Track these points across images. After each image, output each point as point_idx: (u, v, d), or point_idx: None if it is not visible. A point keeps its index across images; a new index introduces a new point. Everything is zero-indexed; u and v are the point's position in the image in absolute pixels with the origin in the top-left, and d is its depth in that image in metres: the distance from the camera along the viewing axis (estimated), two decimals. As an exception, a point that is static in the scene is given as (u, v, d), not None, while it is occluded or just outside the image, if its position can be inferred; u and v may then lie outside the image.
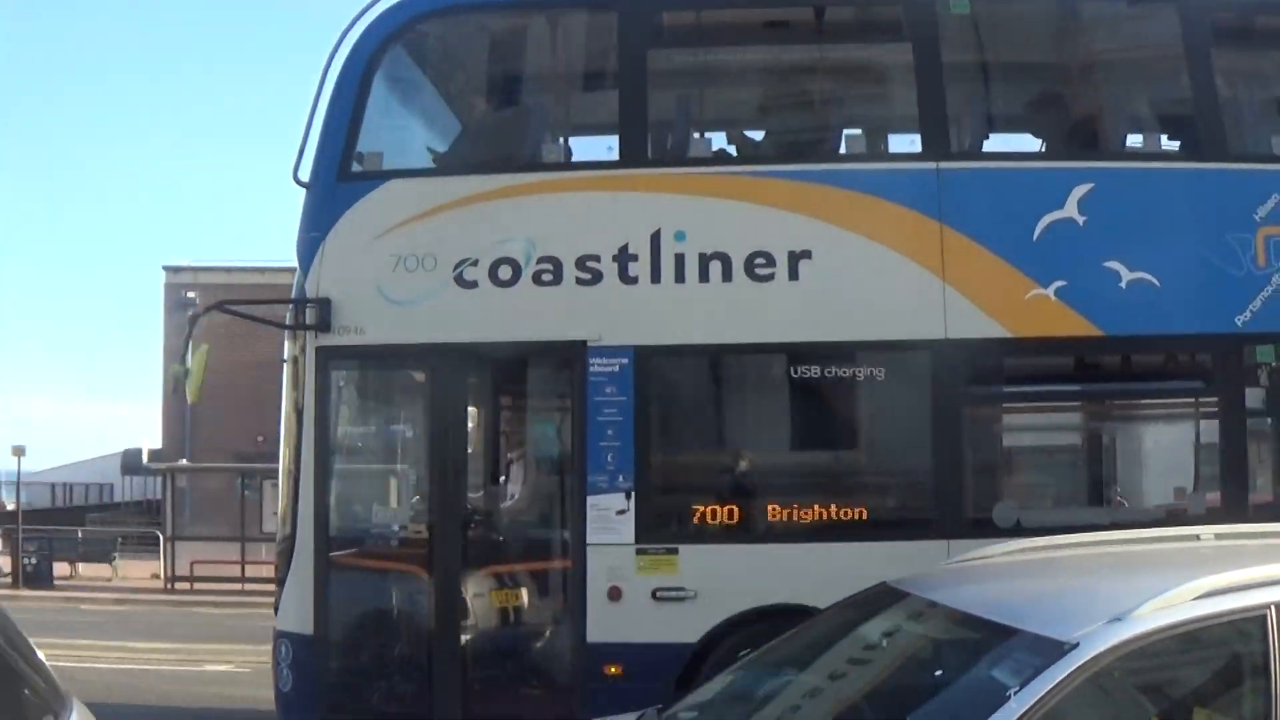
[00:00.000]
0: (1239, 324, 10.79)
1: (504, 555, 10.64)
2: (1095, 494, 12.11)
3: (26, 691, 6.58)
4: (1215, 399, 11.13)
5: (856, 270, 10.96)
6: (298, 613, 11.04)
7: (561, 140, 12.77)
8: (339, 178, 11.43)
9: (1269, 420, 11.28)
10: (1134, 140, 12.22)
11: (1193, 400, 11.80)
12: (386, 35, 11.61)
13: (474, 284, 11.10)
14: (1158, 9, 11.88)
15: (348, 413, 12.15)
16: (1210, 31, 11.32)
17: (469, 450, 11.88)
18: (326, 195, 11.41)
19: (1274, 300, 10.82)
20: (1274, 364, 10.91)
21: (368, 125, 11.65)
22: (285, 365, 11.70)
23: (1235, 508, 10.54)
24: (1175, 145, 11.78)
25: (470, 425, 11.99)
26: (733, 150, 12.50)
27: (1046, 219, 10.93)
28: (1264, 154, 11.51)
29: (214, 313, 11.69)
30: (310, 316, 11.10)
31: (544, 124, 12.77)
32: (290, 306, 11.44)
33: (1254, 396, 11.04)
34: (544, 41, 12.67)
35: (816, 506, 10.90)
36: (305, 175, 11.28)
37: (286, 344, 11.76)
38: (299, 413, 11.25)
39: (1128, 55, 12.64)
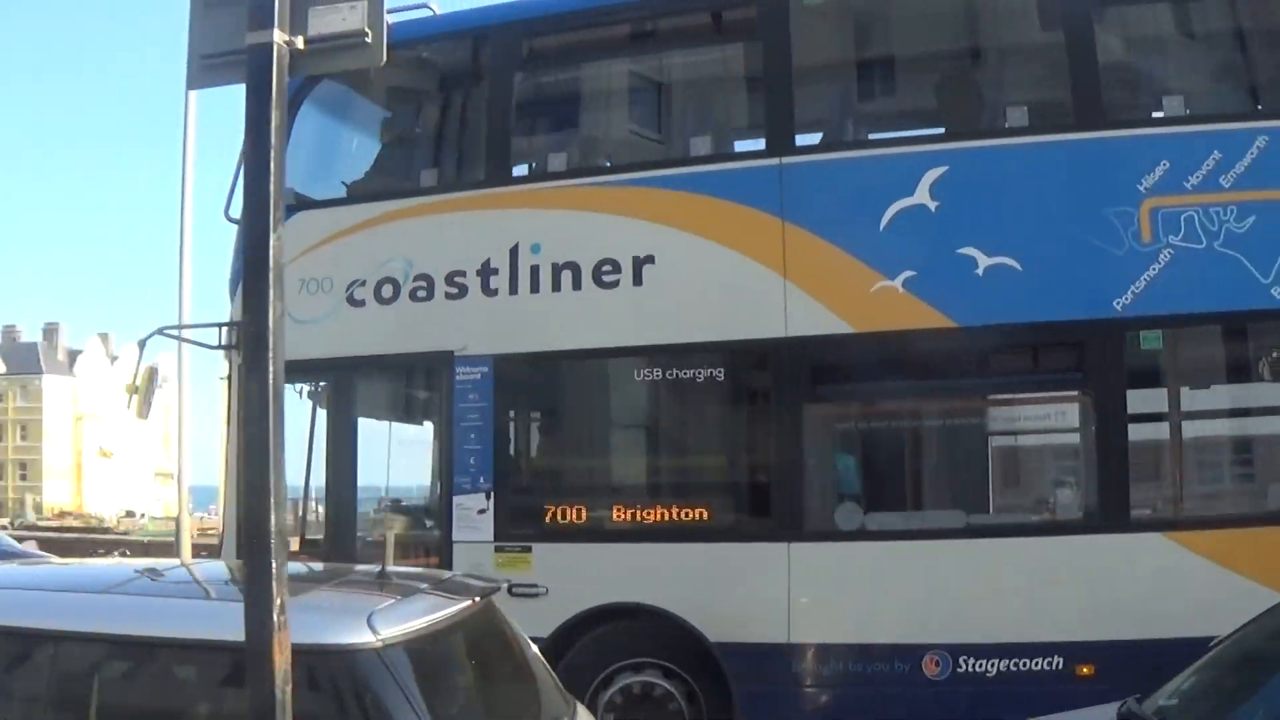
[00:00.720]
0: (1118, 308, 10.10)
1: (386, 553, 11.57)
2: (949, 498, 11.35)
3: (540, 693, 7.59)
4: (1091, 393, 10.41)
5: (698, 272, 11.08)
6: None
7: (436, 166, 13.53)
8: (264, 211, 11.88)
9: (1154, 415, 10.58)
10: (1001, 118, 11.24)
11: (1065, 395, 10.95)
12: (297, 85, 11.74)
13: (362, 302, 12.04)
14: None
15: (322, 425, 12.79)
16: None
17: (358, 457, 12.51)
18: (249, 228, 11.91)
19: (1161, 280, 10.05)
20: (1160, 349, 10.36)
21: (320, 152, 13.42)
22: (222, 382, 12.87)
23: (1113, 511, 10.02)
24: (1044, 116, 10.96)
25: (360, 433, 12.60)
26: (589, 163, 12.79)
27: (894, 207, 10.64)
28: (1148, 118, 10.86)
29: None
30: (234, 338, 12.17)
31: (420, 152, 13.82)
32: (218, 330, 12.47)
33: (1136, 388, 10.34)
34: (422, 75, 13.44)
35: (660, 508, 11.15)
36: (235, 213, 12.20)
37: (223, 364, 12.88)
38: (228, 424, 12.54)
39: (988, 25, 12.01)
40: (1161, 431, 10.55)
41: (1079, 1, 10.55)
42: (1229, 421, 11.19)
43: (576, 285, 11.50)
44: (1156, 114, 10.76)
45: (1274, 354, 10.48)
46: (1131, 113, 10.90)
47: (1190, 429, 10.74)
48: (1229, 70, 11.37)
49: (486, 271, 11.79)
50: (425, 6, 13.38)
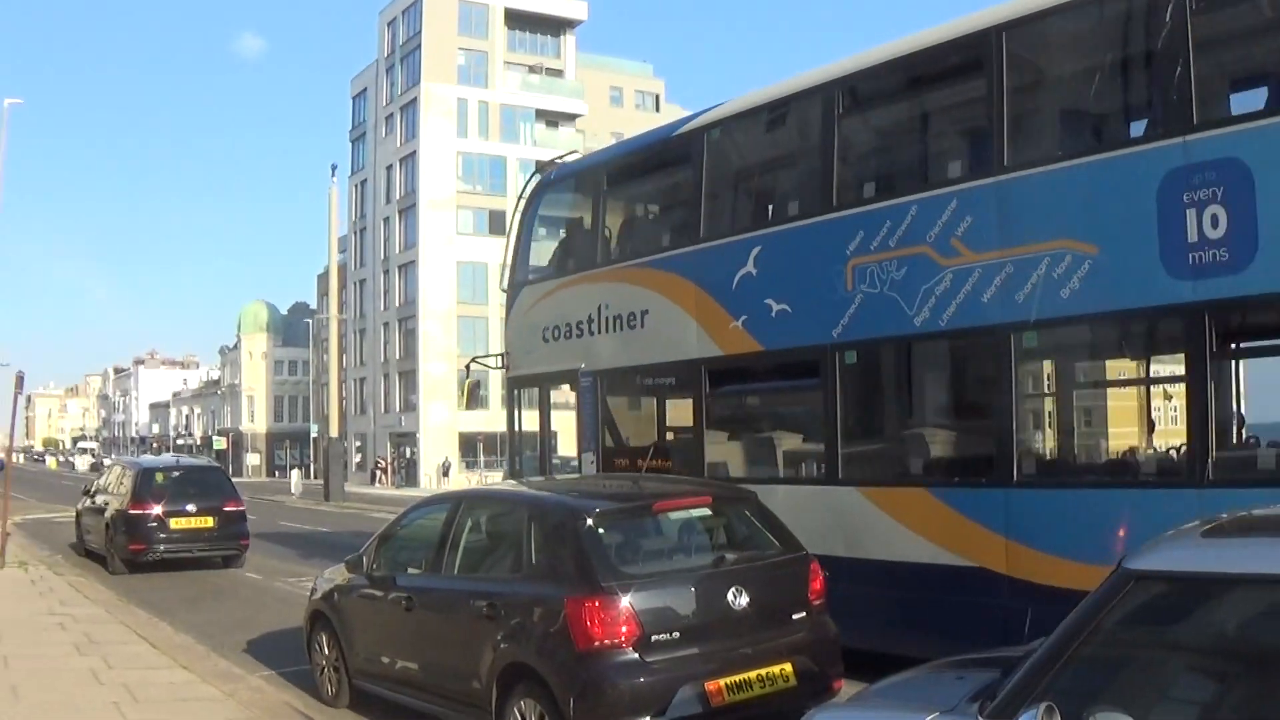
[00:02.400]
0: (834, 336, 15.40)
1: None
2: (766, 457, 17.44)
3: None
4: (817, 393, 15.76)
5: (663, 319, 18.14)
6: None
7: (570, 256, 21.24)
8: (508, 286, 21.96)
9: (856, 403, 15.90)
10: (785, 213, 17.34)
11: (810, 393, 16.14)
12: (532, 193, 22.06)
13: (546, 340, 20.62)
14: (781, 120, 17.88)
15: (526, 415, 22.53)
16: (818, 123, 16.22)
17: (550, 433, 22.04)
18: (509, 295, 21.99)
19: (856, 316, 15.10)
20: (856, 363, 15.62)
21: (534, 249, 22.07)
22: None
23: (829, 472, 15.62)
24: (804, 207, 16.64)
25: (552, 415, 21.79)
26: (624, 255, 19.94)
27: (739, 273, 16.70)
28: (854, 201, 15.64)
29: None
30: (506, 362, 22.00)
31: (562, 247, 21.85)
32: (500, 357, 22.28)
33: (846, 388, 15.56)
34: (603, 185, 20.52)
35: (658, 460, 19.23)
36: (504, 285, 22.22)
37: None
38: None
39: (774, 154, 18.68)
40: (860, 418, 16.10)
41: (826, 129, 15.98)
42: (896, 413, 16.67)
43: (619, 329, 19.03)
44: (861, 198, 15.83)
45: (920, 366, 16.10)
46: (847, 198, 15.71)
47: (873, 418, 16.45)
48: (895, 162, 16.89)
49: (589, 320, 19.65)
50: (575, 152, 22.87)
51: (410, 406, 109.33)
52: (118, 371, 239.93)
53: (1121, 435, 15.00)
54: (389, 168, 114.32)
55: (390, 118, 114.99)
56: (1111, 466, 14.33)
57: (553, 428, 21.81)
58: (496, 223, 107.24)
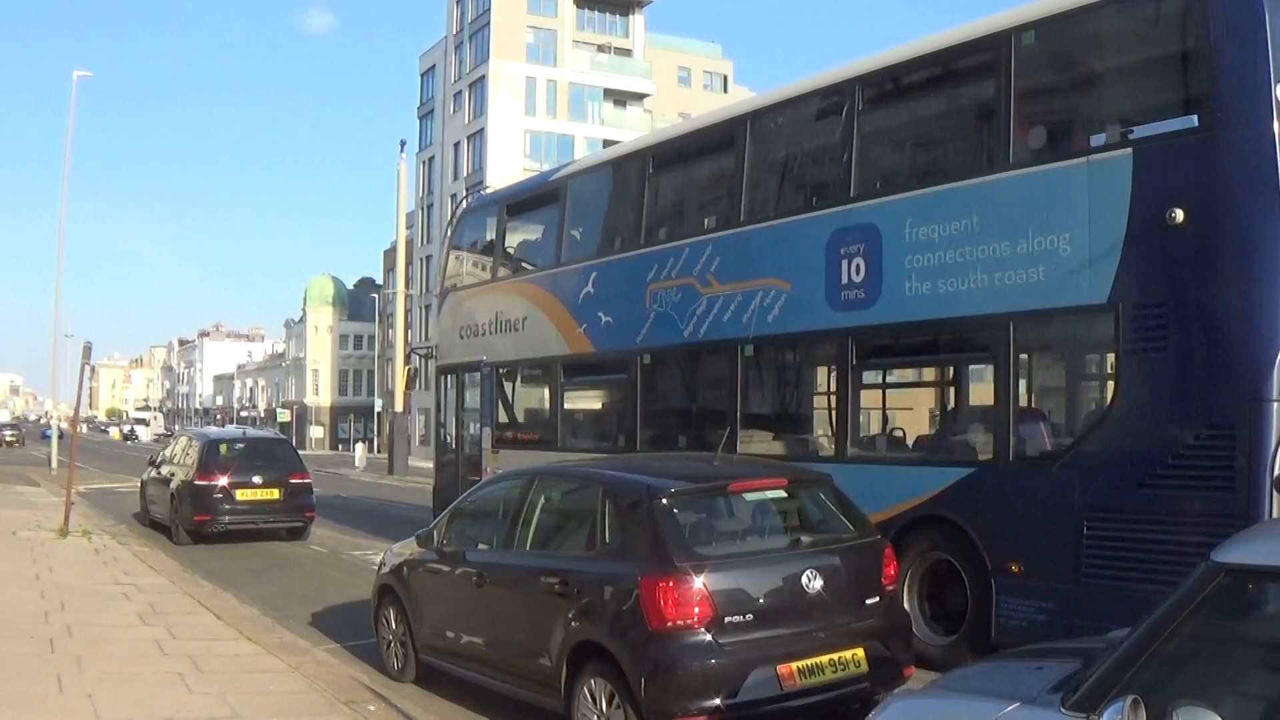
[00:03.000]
0: (637, 342, 20.53)
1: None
2: (601, 433, 23.16)
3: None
4: (627, 385, 21.07)
5: (534, 323, 23.52)
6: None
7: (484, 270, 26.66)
8: (440, 294, 28.16)
9: (650, 393, 20.83)
10: (612, 248, 22.21)
11: (620, 386, 21.59)
12: (456, 218, 28.99)
13: (464, 337, 26.22)
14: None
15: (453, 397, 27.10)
16: (634, 182, 21.74)
17: (465, 408, 26.64)
18: (439, 300, 28.28)
19: (652, 328, 20.15)
20: (650, 364, 20.62)
21: (454, 265, 27.72)
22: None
23: (628, 442, 20.85)
24: (627, 244, 21.55)
25: (465, 397, 26.67)
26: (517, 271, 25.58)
27: (583, 291, 21.96)
28: (653, 241, 20.71)
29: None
30: (435, 354, 27.78)
31: (494, 260, 26.32)
32: (431, 349, 28.66)
33: (644, 385, 20.76)
34: (503, 215, 26.00)
35: (529, 433, 24.83)
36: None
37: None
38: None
39: (607, 203, 23.64)
40: (652, 405, 20.94)
41: (639, 188, 21.50)
42: (674, 402, 21.36)
43: (509, 331, 24.45)
44: (657, 240, 20.80)
45: (688, 368, 20.74)
46: (650, 240, 20.83)
47: (659, 405, 21.06)
48: (678, 215, 21.94)
49: (488, 323, 25.23)
50: (488, 187, 32.30)
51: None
52: (182, 343, 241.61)
53: (803, 421, 19.25)
54: (456, 145, 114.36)
55: (458, 95, 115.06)
56: (793, 444, 18.44)
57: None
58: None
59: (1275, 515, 11.58)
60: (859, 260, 15.97)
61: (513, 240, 26.26)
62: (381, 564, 15.01)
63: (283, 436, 32.73)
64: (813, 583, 10.44)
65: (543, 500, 12.32)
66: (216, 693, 12.28)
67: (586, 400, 24.04)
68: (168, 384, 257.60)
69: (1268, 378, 11.75)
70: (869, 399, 17.76)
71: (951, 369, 17.88)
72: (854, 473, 14.60)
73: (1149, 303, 12.80)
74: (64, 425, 61.87)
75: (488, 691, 12.43)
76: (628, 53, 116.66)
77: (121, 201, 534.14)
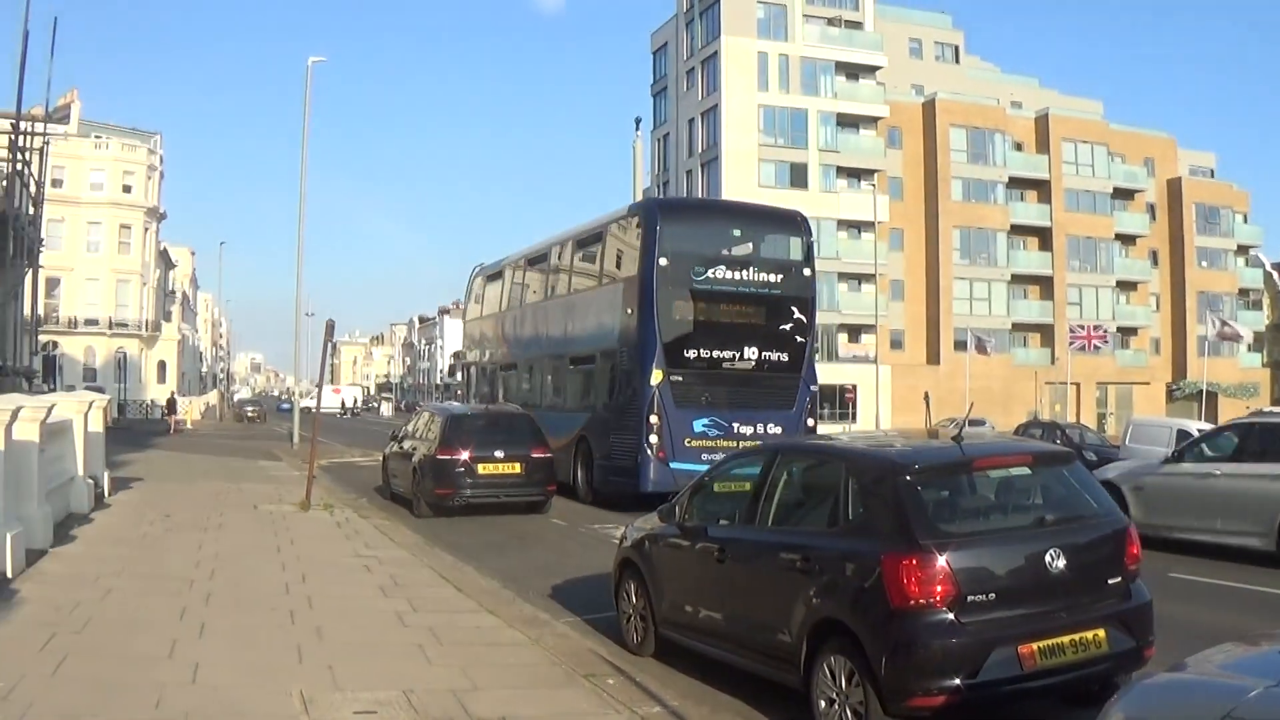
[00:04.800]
0: (525, 354, 42.03)
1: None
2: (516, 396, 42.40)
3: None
4: (519, 373, 42.47)
5: (490, 341, 46.34)
6: None
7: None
8: (463, 321, 53.24)
9: (526, 378, 41.82)
10: None
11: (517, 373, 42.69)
12: (471, 277, 51.11)
13: (472, 346, 49.39)
14: None
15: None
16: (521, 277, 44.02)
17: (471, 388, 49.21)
18: (464, 327, 52.73)
19: (528, 347, 41.89)
20: (528, 364, 41.57)
21: (479, 297, 49.42)
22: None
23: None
24: None
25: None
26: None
27: (512, 324, 44.18)
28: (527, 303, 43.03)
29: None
30: (458, 355, 53.87)
31: (485, 302, 48.37)
32: (457, 354, 56.13)
33: (523, 372, 42.52)
34: (487, 276, 48.33)
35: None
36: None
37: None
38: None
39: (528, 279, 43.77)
40: (525, 382, 41.96)
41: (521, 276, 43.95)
42: (536, 382, 40.69)
43: (484, 343, 47.23)
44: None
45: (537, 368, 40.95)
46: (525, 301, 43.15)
47: (531, 383, 41.36)
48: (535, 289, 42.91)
49: (480, 337, 48.09)
50: (480, 266, 51.61)
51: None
52: (423, 320, 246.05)
53: (549, 390, 42.03)
54: (691, 121, 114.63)
55: (691, 72, 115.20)
56: (540, 399, 39.49)
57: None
58: (798, 176, 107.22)
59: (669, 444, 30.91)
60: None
61: (493, 291, 46.98)
62: (623, 538, 15.16)
63: (524, 411, 32.85)
64: (1055, 562, 10.28)
65: (785, 476, 12.27)
66: (456, 665, 12.45)
67: (509, 380, 44.17)
68: (408, 360, 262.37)
69: (649, 376, 31.07)
70: (564, 380, 38.44)
71: (589, 369, 36.21)
72: (551, 415, 35.77)
73: (626, 346, 32.76)
74: (300, 401, 65.00)
75: (726, 666, 12.45)
76: (858, 25, 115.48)
77: (361, 184, 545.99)
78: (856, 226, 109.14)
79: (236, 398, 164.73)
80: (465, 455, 29.10)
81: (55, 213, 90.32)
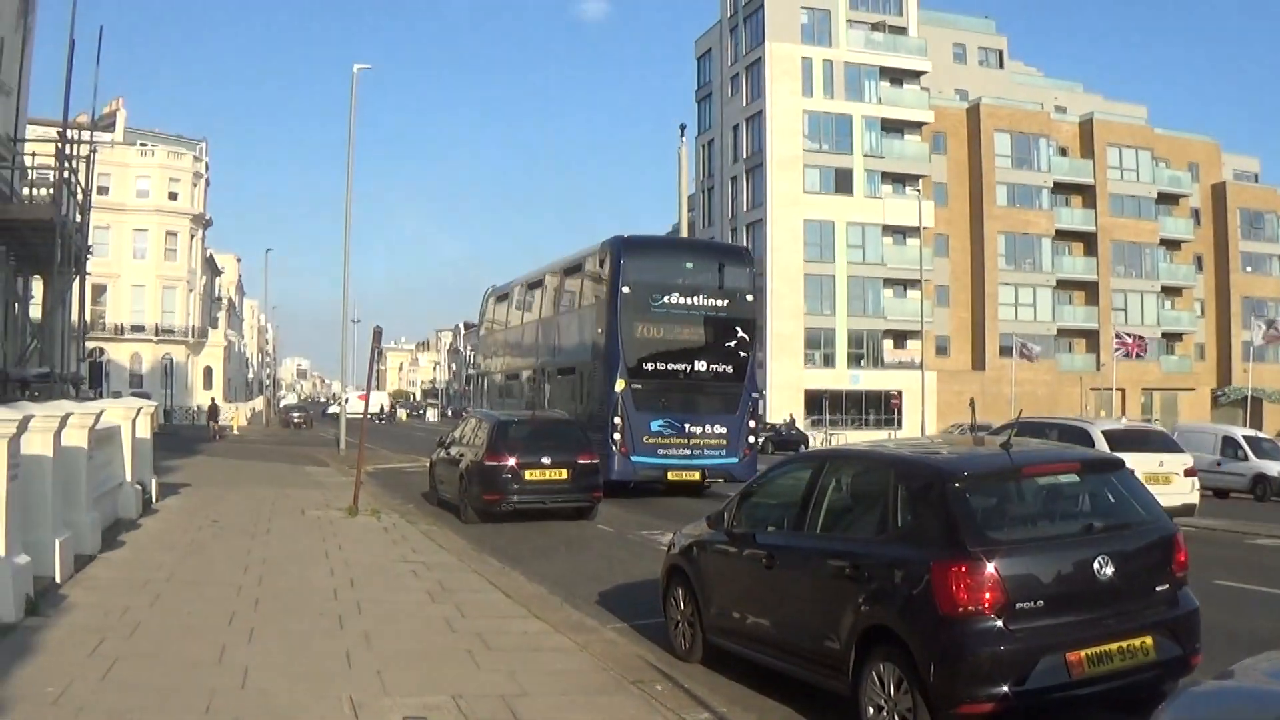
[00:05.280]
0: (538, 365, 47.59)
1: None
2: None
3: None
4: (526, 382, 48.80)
5: (499, 352, 55.75)
6: None
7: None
8: (476, 338, 66.48)
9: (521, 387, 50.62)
10: None
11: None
12: (483, 299, 59.42)
13: (486, 356, 57.56)
14: None
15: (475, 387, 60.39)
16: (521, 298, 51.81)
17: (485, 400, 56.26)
18: (476, 342, 66.01)
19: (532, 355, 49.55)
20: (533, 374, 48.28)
21: (490, 314, 57.90)
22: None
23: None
24: None
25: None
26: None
27: (512, 336, 53.03)
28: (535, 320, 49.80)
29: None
30: (470, 367, 73.24)
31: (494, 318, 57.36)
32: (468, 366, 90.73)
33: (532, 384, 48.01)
34: (497, 296, 57.23)
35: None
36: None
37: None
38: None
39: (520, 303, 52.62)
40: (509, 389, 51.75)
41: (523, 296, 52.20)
42: (531, 390, 47.58)
43: (493, 354, 56.39)
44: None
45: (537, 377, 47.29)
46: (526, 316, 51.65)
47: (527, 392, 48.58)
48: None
49: (489, 349, 57.33)
50: (491, 287, 59.90)
51: (758, 364, 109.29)
52: (468, 327, 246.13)
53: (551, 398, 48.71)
54: (735, 127, 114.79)
55: (735, 78, 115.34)
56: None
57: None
58: (843, 181, 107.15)
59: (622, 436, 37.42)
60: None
61: (500, 309, 55.11)
62: (671, 544, 15.15)
63: (571, 418, 33.09)
64: (1104, 569, 10.26)
65: (833, 483, 12.28)
66: (505, 670, 12.47)
67: (513, 389, 50.66)
68: (454, 366, 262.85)
69: (614, 385, 37.50)
70: (554, 388, 44.28)
71: (571, 378, 42.41)
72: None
73: (597, 360, 39.15)
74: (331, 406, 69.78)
75: (774, 673, 12.44)
76: (902, 30, 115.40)
77: (407, 191, 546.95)
78: (901, 232, 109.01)
79: (283, 403, 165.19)
80: (512, 461, 29.16)
81: (102, 220, 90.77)
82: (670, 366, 38.73)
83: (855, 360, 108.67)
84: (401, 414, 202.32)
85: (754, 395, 40.73)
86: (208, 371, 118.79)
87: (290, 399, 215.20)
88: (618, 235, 40.23)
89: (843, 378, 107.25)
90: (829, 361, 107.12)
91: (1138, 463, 20.40)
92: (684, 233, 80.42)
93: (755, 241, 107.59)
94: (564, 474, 29.60)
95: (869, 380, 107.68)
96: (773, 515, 13.16)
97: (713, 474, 38.84)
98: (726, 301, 39.82)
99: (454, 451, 32.29)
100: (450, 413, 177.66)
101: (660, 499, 36.94)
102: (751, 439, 40.02)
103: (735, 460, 38.74)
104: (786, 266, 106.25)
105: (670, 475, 38.19)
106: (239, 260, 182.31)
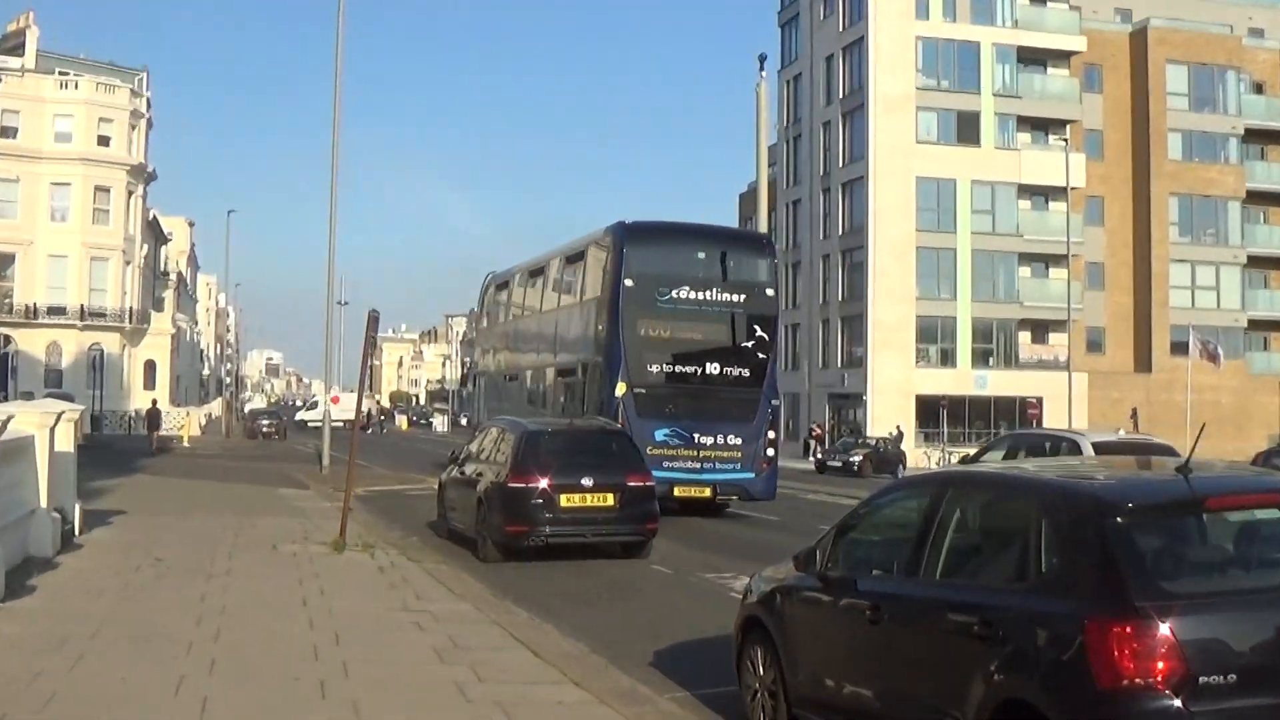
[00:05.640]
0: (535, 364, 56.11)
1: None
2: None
3: None
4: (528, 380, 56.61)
5: (498, 352, 64.11)
6: None
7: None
8: (475, 335, 77.62)
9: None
10: None
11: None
12: (482, 288, 67.36)
13: (483, 354, 66.52)
14: None
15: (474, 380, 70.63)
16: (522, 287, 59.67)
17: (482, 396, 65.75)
18: (476, 340, 74.51)
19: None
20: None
21: (484, 313, 67.56)
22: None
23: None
24: None
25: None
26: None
27: (514, 333, 59.46)
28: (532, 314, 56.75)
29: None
30: (471, 364, 75.67)
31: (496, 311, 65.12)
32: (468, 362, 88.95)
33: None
34: (496, 284, 64.68)
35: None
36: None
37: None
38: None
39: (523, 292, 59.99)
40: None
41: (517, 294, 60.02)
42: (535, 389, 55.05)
43: (493, 352, 64.61)
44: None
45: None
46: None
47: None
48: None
49: (491, 349, 63.99)
50: (491, 273, 68.61)
51: (854, 361, 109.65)
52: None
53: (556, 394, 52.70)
54: (829, 59, 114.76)
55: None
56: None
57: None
58: (967, 127, 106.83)
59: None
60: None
61: (498, 300, 62.20)
62: (747, 591, 15.08)
63: (619, 427, 33.01)
64: None
65: (958, 515, 12.07)
66: (534, 752, 12.40)
67: (513, 391, 57.06)
68: (468, 360, 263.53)
69: (614, 388, 41.47)
70: (553, 390, 50.52)
71: (571, 380, 47.21)
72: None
73: (597, 360, 43.61)
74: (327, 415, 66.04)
75: (882, 760, 12.34)
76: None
77: (414, 148, 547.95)
78: (1042, 194, 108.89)
79: (248, 407, 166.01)
80: (544, 483, 28.94)
81: (8, 169, 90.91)
82: (678, 369, 42.85)
83: (982, 358, 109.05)
84: (401, 421, 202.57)
85: (774, 403, 44.32)
86: (149, 366, 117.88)
87: (258, 402, 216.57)
88: (620, 221, 43.54)
89: (965, 380, 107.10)
90: (948, 359, 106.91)
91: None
92: (762, 195, 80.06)
93: (854, 205, 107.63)
94: (610, 499, 29.39)
95: (999, 383, 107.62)
96: (879, 555, 13.09)
97: (725, 490, 42.14)
98: (744, 296, 43.77)
99: (470, 470, 32.28)
100: (465, 420, 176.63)
101: (731, 531, 37.53)
102: (771, 452, 42.94)
103: (751, 475, 41.49)
104: (894, 238, 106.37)
105: (677, 490, 40.44)
106: (191, 225, 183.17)
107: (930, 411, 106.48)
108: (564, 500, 29.02)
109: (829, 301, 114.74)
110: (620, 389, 40.75)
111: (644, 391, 41.48)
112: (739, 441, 41.62)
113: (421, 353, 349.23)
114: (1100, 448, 28.66)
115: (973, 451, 51.66)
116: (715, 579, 26.53)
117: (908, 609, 11.90)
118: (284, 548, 28.20)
